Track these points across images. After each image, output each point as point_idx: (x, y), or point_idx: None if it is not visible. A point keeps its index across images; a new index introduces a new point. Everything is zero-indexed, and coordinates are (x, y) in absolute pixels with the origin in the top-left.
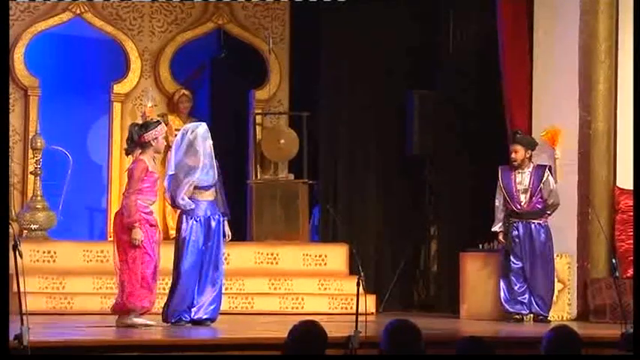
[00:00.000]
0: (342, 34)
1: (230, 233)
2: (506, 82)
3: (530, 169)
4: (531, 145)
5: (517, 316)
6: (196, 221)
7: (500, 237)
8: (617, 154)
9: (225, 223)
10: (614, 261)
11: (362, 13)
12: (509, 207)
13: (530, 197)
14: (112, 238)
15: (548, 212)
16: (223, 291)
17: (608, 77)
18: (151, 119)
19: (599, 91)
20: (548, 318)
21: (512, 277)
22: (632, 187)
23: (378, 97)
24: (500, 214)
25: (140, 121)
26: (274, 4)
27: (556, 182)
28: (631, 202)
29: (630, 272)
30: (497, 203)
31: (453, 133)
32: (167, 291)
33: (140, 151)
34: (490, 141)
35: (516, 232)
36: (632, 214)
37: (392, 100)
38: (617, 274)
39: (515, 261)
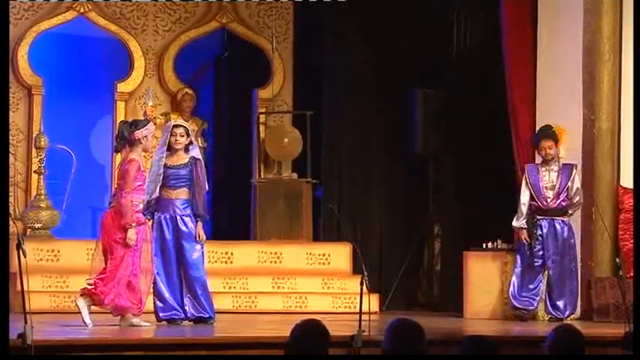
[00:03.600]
0: (346, 33)
1: (202, 235)
2: (510, 80)
3: (558, 167)
4: (558, 139)
5: (523, 312)
6: (161, 219)
7: (524, 234)
8: (620, 153)
9: (199, 225)
10: (617, 260)
11: (365, 11)
12: (535, 204)
13: (557, 195)
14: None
15: (571, 212)
16: (223, 290)
17: (612, 76)
18: (154, 118)
19: (603, 90)
20: (563, 318)
21: (528, 275)
22: (633, 187)
23: (381, 96)
24: (524, 211)
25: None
26: (278, 3)
27: None
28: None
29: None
30: (522, 200)
31: (457, 132)
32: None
33: (129, 149)
34: (494, 140)
35: (540, 230)
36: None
37: (396, 98)
38: (621, 273)
39: (535, 259)
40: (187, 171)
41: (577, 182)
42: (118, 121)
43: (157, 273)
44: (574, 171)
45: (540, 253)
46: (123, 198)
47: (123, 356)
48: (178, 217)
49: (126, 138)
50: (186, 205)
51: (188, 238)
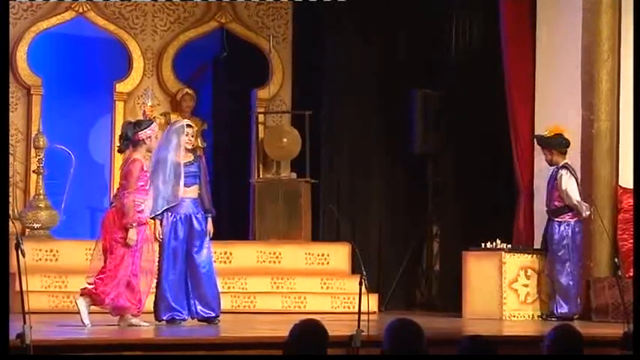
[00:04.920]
0: (345, 33)
1: (212, 230)
2: (508, 81)
3: (555, 169)
4: (554, 145)
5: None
6: (176, 219)
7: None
8: (619, 153)
9: (209, 220)
10: (616, 260)
11: (364, 11)
12: None
13: (549, 196)
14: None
15: (575, 213)
16: (222, 290)
17: (611, 76)
18: (153, 118)
19: (602, 90)
20: (557, 315)
21: (548, 277)
22: (632, 187)
23: (380, 96)
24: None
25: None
26: (277, 3)
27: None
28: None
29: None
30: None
31: (456, 132)
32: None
33: (132, 149)
34: (493, 140)
35: (546, 231)
36: (633, 213)
37: (395, 99)
38: (620, 273)
39: (548, 259)
40: (196, 167)
41: (564, 183)
42: (122, 122)
43: (167, 273)
44: (559, 172)
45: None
46: (125, 198)
47: (122, 356)
48: (193, 216)
49: (129, 138)
50: (197, 204)
51: (201, 236)
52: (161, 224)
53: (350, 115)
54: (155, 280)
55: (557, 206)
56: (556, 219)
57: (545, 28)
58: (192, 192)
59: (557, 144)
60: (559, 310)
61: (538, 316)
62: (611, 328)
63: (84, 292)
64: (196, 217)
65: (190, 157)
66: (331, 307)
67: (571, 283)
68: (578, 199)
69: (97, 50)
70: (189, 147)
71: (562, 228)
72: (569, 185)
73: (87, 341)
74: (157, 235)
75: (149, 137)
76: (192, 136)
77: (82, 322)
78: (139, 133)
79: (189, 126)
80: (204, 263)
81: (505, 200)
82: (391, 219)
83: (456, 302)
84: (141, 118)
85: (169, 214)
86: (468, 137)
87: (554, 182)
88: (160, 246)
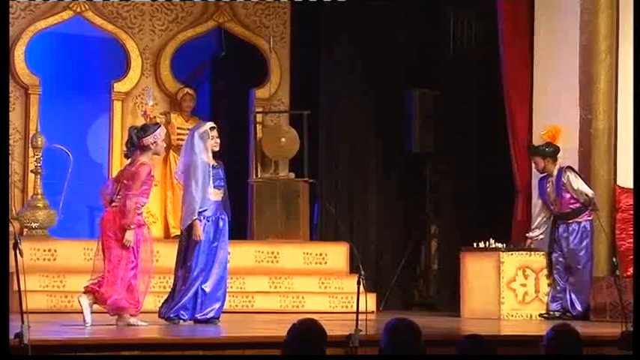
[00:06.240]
0: (343, 33)
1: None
2: (506, 80)
3: (555, 175)
4: (548, 153)
5: (551, 314)
6: (208, 221)
7: (529, 242)
8: (617, 152)
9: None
10: (614, 260)
11: (362, 11)
12: (550, 212)
13: (559, 201)
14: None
15: (590, 209)
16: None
17: (609, 76)
18: (154, 118)
19: (600, 90)
20: (573, 314)
21: (556, 276)
22: (632, 186)
23: (378, 96)
24: (537, 222)
25: (143, 120)
26: (275, 2)
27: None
28: (632, 201)
29: (631, 271)
30: (534, 212)
31: (454, 132)
32: (167, 289)
33: (139, 153)
34: (491, 139)
35: (557, 233)
36: (632, 212)
37: (392, 98)
38: (618, 273)
39: (558, 260)
40: (222, 170)
41: (575, 183)
42: (121, 122)
43: (193, 273)
44: (565, 174)
45: (557, 254)
46: (128, 199)
47: (120, 356)
48: (220, 218)
49: (135, 144)
50: (221, 206)
51: (224, 236)
52: (198, 226)
53: (347, 115)
54: (188, 282)
55: (573, 208)
56: (574, 220)
57: (543, 27)
58: (220, 194)
59: (551, 153)
60: (577, 309)
61: (540, 315)
62: (609, 327)
63: (88, 290)
64: (222, 219)
65: (214, 161)
66: (329, 306)
67: (588, 281)
68: (592, 192)
69: (95, 50)
70: (217, 149)
71: (581, 228)
72: (580, 183)
73: (86, 341)
74: (200, 236)
75: (155, 142)
76: (218, 138)
77: (84, 319)
78: (143, 139)
79: (212, 129)
80: (221, 264)
81: (503, 200)
82: (389, 219)
83: (454, 302)
84: (140, 117)
85: (201, 216)
86: (466, 137)
87: (561, 187)
88: (193, 247)
